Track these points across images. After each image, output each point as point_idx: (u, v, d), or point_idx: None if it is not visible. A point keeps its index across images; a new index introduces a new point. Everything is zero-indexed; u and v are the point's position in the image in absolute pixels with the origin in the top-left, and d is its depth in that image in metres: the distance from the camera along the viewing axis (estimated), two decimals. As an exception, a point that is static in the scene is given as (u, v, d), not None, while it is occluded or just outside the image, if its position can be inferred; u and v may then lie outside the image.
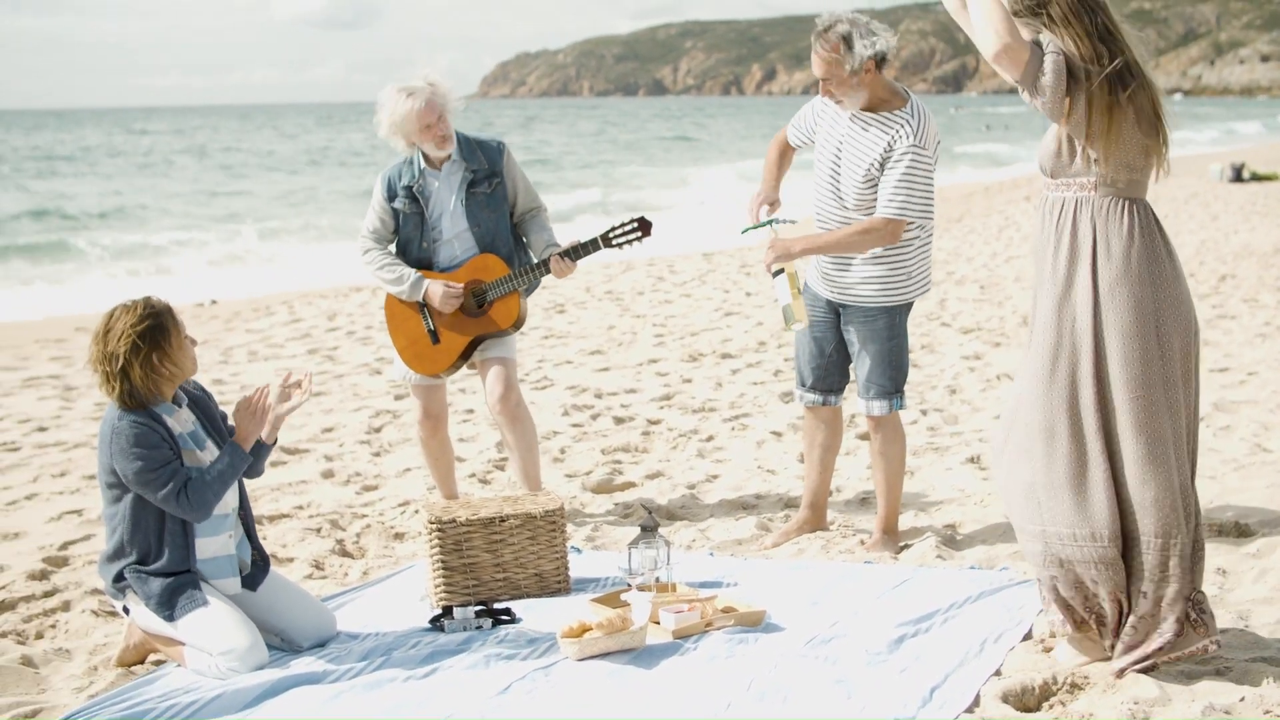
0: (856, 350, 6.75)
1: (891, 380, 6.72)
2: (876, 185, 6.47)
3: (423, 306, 7.31)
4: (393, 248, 7.40)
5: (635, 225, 7.24)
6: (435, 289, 7.19)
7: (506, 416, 7.25)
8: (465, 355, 7.34)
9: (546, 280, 17.75)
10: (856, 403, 6.89)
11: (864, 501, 7.63)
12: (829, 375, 6.90)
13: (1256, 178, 34.22)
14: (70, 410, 10.67)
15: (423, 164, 7.28)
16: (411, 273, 7.25)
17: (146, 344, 5.33)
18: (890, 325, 6.67)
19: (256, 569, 5.61)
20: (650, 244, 7.83)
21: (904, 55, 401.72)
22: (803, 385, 6.98)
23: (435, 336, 7.31)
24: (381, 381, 11.51)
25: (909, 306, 6.75)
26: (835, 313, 6.79)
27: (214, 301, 17.72)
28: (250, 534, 5.66)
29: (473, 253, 7.28)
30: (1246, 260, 18.04)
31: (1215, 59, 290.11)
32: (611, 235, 7.23)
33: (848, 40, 6.37)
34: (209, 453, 5.47)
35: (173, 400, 5.46)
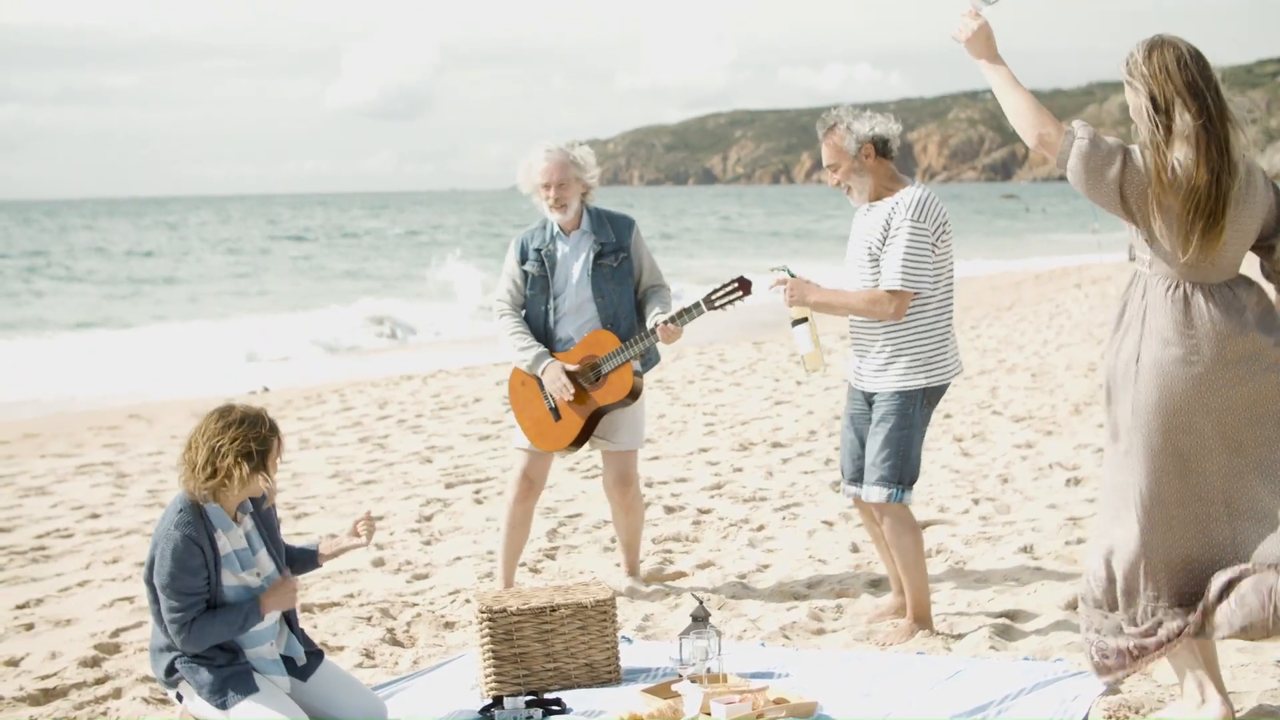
0: (869, 435, 6.78)
1: (893, 470, 6.67)
2: (877, 261, 6.62)
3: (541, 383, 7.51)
4: (524, 313, 7.63)
5: (735, 285, 7.36)
6: (552, 370, 7.41)
7: (623, 506, 7.72)
8: (587, 430, 7.51)
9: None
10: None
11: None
12: None
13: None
14: (123, 497, 10.73)
15: (556, 229, 7.53)
16: (539, 347, 7.49)
17: (255, 458, 5.35)
18: (901, 412, 6.66)
19: (310, 661, 5.61)
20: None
21: (952, 144, 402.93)
22: (844, 478, 7.00)
23: (556, 414, 7.50)
24: (432, 470, 11.53)
25: (926, 396, 6.70)
26: (868, 402, 6.82)
27: (266, 389, 17.82)
28: (296, 631, 5.64)
29: (594, 325, 7.48)
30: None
31: (1266, 145, 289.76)
32: (714, 297, 7.37)
33: (848, 125, 6.68)
34: (251, 576, 5.45)
35: (235, 515, 5.46)
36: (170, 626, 5.28)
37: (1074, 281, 32.48)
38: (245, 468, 5.31)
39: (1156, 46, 5.02)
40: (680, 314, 7.33)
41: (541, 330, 7.58)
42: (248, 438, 5.33)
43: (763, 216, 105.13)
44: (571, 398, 7.41)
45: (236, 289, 39.29)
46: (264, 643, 5.48)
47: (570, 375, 7.43)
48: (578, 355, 7.45)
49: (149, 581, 5.35)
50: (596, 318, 7.50)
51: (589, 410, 7.47)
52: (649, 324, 7.43)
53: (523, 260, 7.57)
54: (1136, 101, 5.01)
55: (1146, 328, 5.10)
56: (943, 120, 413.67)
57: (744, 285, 7.37)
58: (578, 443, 7.54)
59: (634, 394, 7.48)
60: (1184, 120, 4.94)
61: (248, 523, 5.50)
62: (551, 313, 7.54)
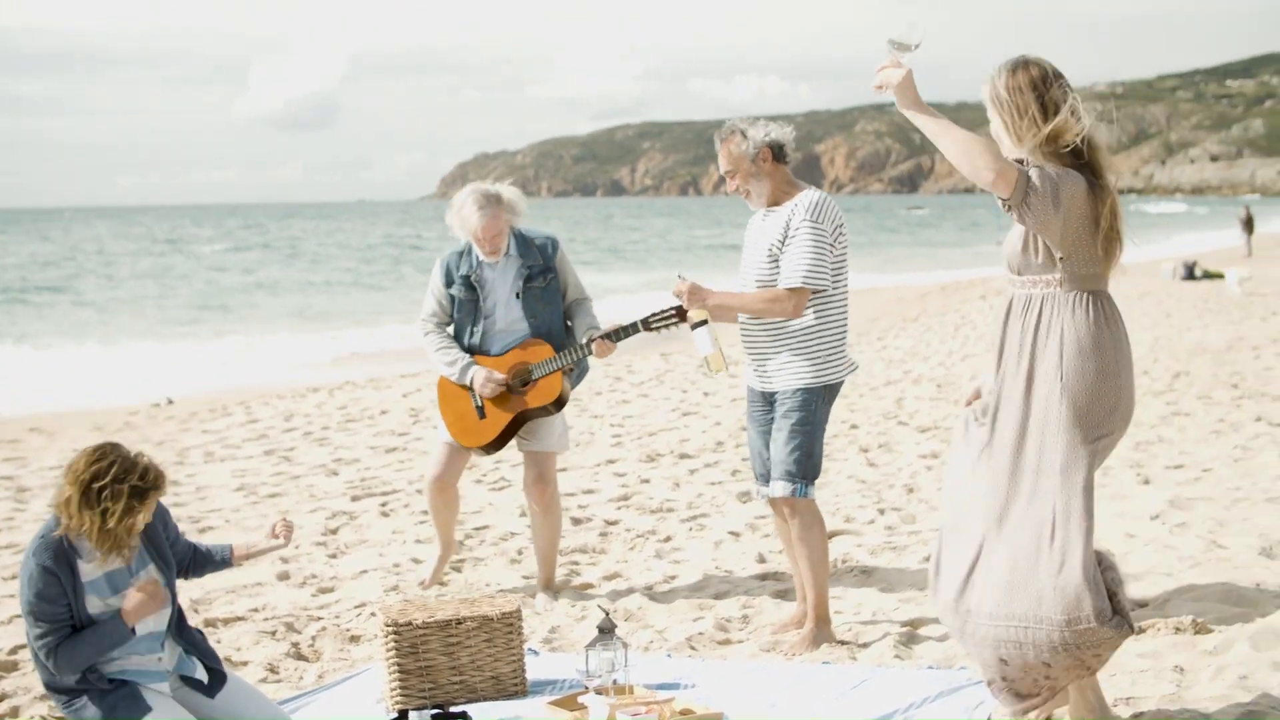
0: (772, 433, 6.87)
1: (798, 465, 6.78)
2: (778, 262, 6.74)
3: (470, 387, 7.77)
4: (451, 329, 7.95)
5: (674, 312, 7.46)
6: (479, 375, 7.70)
7: (540, 506, 7.90)
8: (509, 431, 7.80)
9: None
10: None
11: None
12: None
13: (1209, 276, 34.55)
14: (23, 512, 10.59)
15: (480, 255, 7.78)
16: (464, 357, 7.79)
17: (135, 506, 5.16)
18: (804, 409, 6.77)
19: (214, 678, 5.51)
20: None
21: (860, 155, 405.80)
22: (757, 480, 7.07)
23: (481, 412, 7.79)
24: (339, 483, 11.46)
25: (827, 393, 6.84)
26: (770, 404, 6.90)
27: (170, 401, 17.64)
28: (200, 648, 5.52)
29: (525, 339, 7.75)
30: (1200, 357, 18.19)
31: (1166, 159, 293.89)
32: (652, 320, 7.53)
33: (743, 132, 6.84)
34: (116, 603, 5.26)
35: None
36: (39, 653, 5.17)
37: (979, 293, 32.81)
38: (118, 511, 5.12)
39: (1021, 66, 5.14)
40: (616, 331, 7.56)
41: (467, 349, 7.87)
42: (131, 485, 5.14)
43: (682, 229, 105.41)
44: (498, 393, 7.68)
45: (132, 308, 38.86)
46: (146, 654, 5.34)
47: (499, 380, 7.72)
48: (511, 360, 7.72)
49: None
50: (528, 335, 7.78)
51: (513, 411, 7.72)
52: (583, 339, 7.69)
53: (448, 284, 7.82)
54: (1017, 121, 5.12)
55: (1066, 346, 5.15)
56: (850, 132, 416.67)
57: (681, 313, 7.44)
58: (498, 443, 7.81)
59: (560, 402, 7.73)
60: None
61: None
62: (480, 333, 7.81)
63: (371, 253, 67.58)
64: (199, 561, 5.69)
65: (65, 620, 5.16)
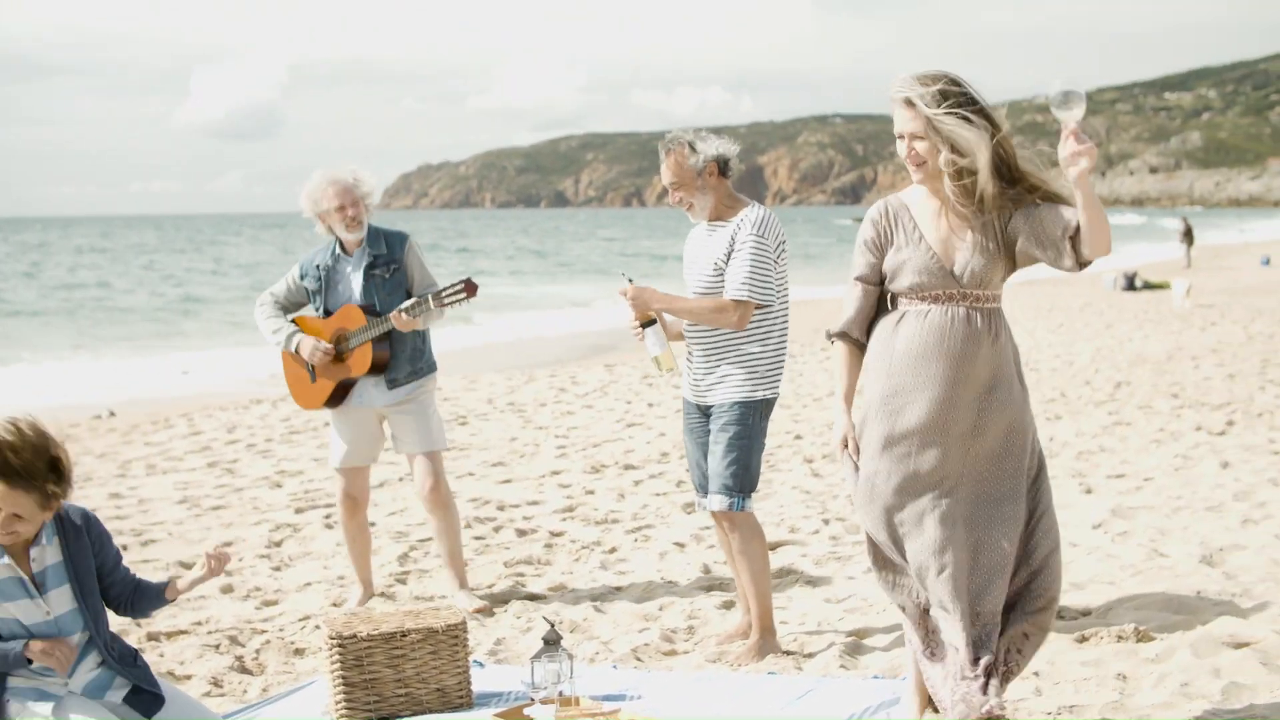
0: (710, 446, 6.89)
1: (735, 478, 6.79)
2: (723, 275, 6.77)
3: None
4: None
5: (461, 287, 7.80)
6: (305, 344, 8.00)
7: (436, 505, 8.06)
8: (339, 394, 8.07)
9: (449, 391, 17.74)
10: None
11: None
12: None
13: (1149, 286, 34.85)
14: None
15: (338, 250, 8.06)
16: (289, 326, 8.14)
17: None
18: (742, 422, 6.79)
19: (150, 701, 5.25)
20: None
21: (802, 167, 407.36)
22: (697, 492, 7.09)
23: (313, 375, 8.12)
24: (282, 495, 11.41)
25: (764, 406, 6.86)
26: (707, 416, 6.94)
27: (112, 414, 17.51)
28: (130, 672, 5.24)
29: None
30: (1140, 367, 18.34)
31: (1106, 170, 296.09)
32: (442, 294, 7.78)
33: (691, 144, 6.85)
34: (24, 608, 5.01)
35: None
36: None
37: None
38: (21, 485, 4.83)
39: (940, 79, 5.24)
40: (412, 305, 7.78)
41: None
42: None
43: (629, 239, 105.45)
44: (329, 359, 8.00)
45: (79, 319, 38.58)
46: (46, 674, 5.07)
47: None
48: (333, 325, 8.03)
49: None
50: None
51: (338, 378, 8.03)
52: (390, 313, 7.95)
53: (303, 276, 8.15)
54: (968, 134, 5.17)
55: (1007, 356, 5.34)
56: (792, 144, 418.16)
57: (469, 287, 7.83)
58: (331, 403, 8.10)
59: (373, 369, 7.96)
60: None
61: (36, 553, 5.04)
62: (320, 314, 8.14)
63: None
64: (139, 597, 5.34)
65: None
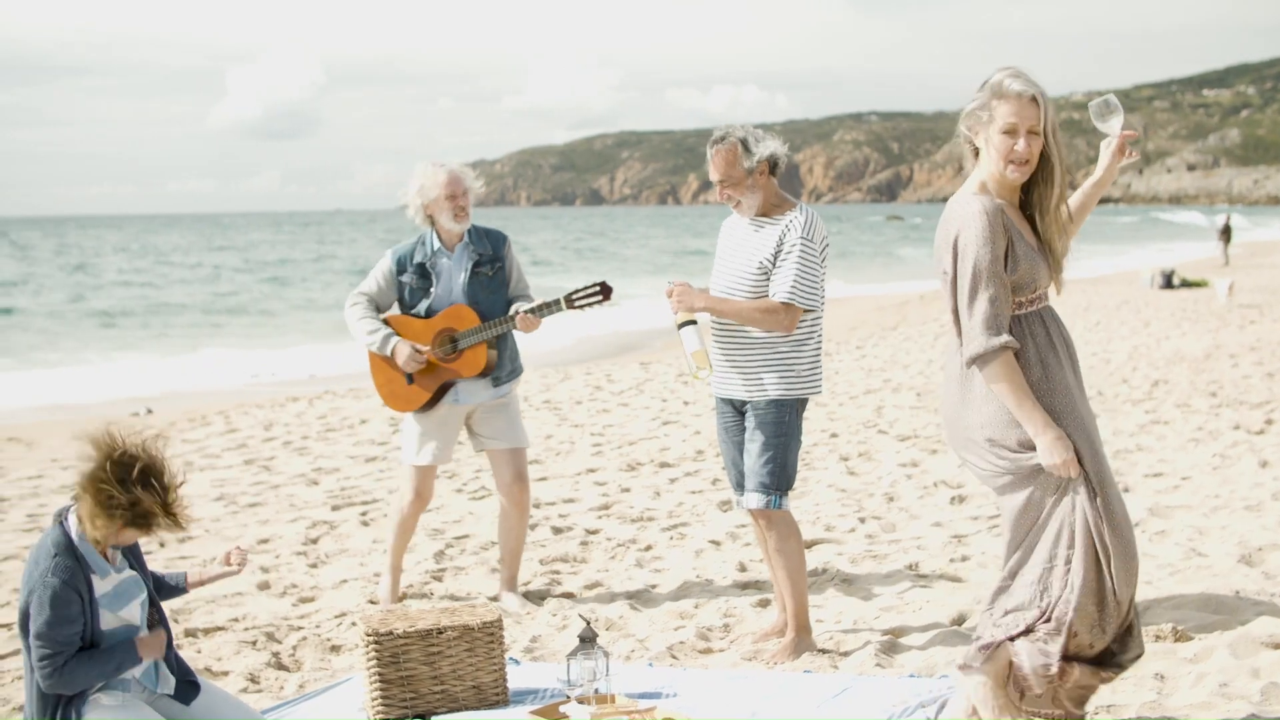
0: (746, 445, 6.88)
1: (772, 476, 6.79)
2: (767, 275, 6.76)
3: None
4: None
5: (597, 289, 7.59)
6: (402, 349, 7.76)
7: (519, 501, 7.95)
8: (435, 398, 7.84)
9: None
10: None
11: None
12: None
13: (1187, 284, 34.68)
14: (2, 521, 10.54)
15: (436, 244, 7.86)
16: (385, 328, 7.87)
17: (143, 517, 5.14)
18: (779, 421, 6.79)
19: (187, 690, 5.41)
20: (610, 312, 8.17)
21: (838, 165, 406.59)
22: (734, 490, 7.08)
23: (410, 378, 7.85)
24: (319, 492, 11.44)
25: (801, 405, 6.87)
26: (742, 414, 6.94)
27: (150, 411, 17.59)
28: (170, 664, 5.42)
29: None
30: (1178, 366, 18.25)
31: (1144, 168, 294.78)
32: (575, 297, 7.63)
33: (744, 143, 6.83)
34: (130, 612, 5.24)
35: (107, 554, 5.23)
36: (40, 672, 5.03)
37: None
38: (137, 510, 5.10)
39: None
40: (540, 307, 7.63)
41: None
42: (137, 495, 5.09)
43: (671, 236, 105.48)
44: (423, 368, 7.78)
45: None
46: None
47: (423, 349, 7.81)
48: (437, 325, 7.78)
49: (24, 628, 5.10)
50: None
51: (440, 379, 7.82)
52: (510, 311, 7.75)
53: (400, 272, 7.91)
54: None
55: (1062, 355, 5.27)
56: (828, 142, 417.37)
57: (605, 290, 7.65)
58: (428, 406, 7.88)
59: (486, 371, 7.79)
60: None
61: (118, 558, 5.29)
62: (423, 313, 7.88)
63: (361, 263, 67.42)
64: (158, 587, 5.57)
65: (78, 641, 5.06)
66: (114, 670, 5.13)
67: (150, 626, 5.36)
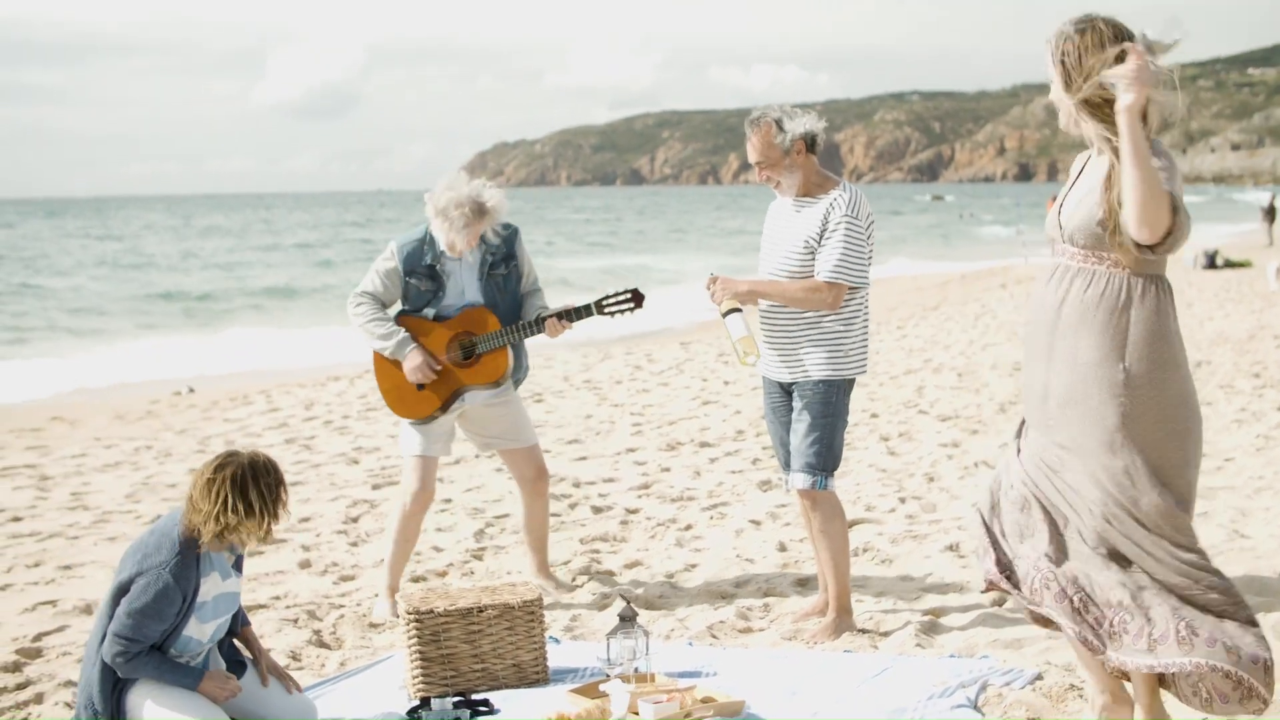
0: (793, 425, 6.86)
1: (818, 457, 6.78)
2: (814, 254, 6.72)
3: None
4: (391, 312, 7.57)
5: (628, 296, 7.44)
6: (414, 357, 7.36)
7: (540, 495, 7.75)
8: (447, 404, 7.47)
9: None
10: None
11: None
12: None
13: (1230, 264, 34.46)
14: (46, 500, 10.61)
15: (441, 246, 7.44)
16: (400, 332, 7.41)
17: (264, 518, 5.26)
18: (826, 401, 6.77)
19: (234, 669, 5.56)
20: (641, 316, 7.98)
21: (879, 144, 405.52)
22: (783, 469, 7.06)
23: (420, 384, 7.44)
24: (359, 471, 11.47)
25: (848, 386, 6.85)
26: (789, 394, 6.91)
27: (191, 390, 17.68)
28: (221, 646, 5.59)
29: None
30: (1221, 347, 18.13)
31: (1187, 147, 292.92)
32: (606, 303, 7.44)
33: (779, 123, 6.77)
34: (213, 625, 5.38)
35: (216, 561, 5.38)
36: (113, 647, 5.14)
37: (999, 282, 32.75)
38: (257, 522, 5.21)
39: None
40: (570, 312, 7.41)
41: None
42: (261, 498, 5.22)
43: (717, 217, 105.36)
44: (436, 378, 7.43)
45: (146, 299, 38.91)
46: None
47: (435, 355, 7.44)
48: (456, 327, 7.44)
49: (116, 596, 5.21)
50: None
51: (453, 387, 7.47)
52: (535, 315, 7.47)
53: (409, 272, 7.48)
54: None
55: (1173, 328, 4.94)
56: (869, 121, 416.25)
57: (636, 298, 7.48)
58: (435, 415, 7.51)
59: (503, 380, 7.52)
60: None
61: (220, 579, 5.39)
62: (432, 316, 7.50)
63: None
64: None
65: (156, 638, 5.18)
66: (169, 682, 5.23)
67: (221, 649, 5.57)
